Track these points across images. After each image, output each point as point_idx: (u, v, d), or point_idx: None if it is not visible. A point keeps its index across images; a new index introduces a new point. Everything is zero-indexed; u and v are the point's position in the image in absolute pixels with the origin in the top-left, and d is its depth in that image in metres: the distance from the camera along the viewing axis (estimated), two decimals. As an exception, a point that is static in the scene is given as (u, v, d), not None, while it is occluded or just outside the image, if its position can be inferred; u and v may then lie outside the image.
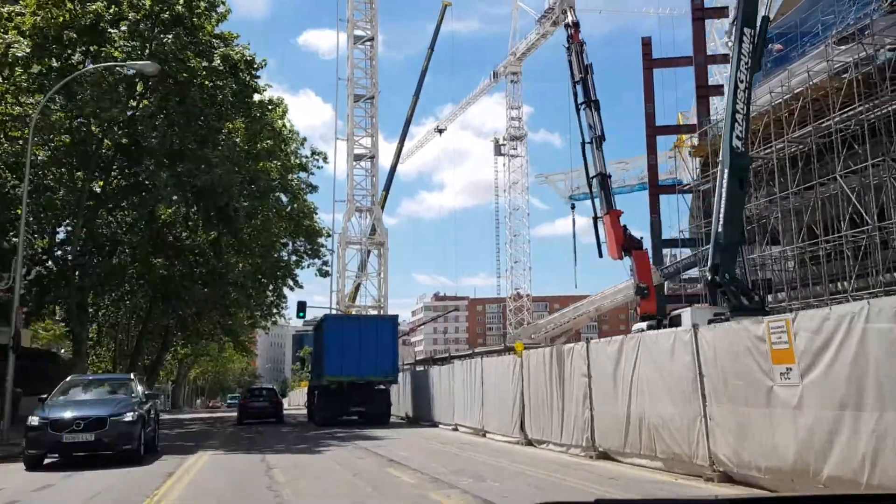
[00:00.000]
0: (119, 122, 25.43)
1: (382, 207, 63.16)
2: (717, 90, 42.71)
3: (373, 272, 59.81)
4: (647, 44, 47.46)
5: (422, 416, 29.24)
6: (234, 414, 39.21)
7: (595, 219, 30.27)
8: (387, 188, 77.05)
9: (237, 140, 27.52)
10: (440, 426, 26.17)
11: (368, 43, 60.90)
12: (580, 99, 31.57)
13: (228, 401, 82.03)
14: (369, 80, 60.71)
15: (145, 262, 28.36)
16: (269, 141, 29.88)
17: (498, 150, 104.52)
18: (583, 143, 31.05)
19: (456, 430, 23.67)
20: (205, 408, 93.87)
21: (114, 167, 28.28)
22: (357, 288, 60.15)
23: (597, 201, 30.33)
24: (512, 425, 18.24)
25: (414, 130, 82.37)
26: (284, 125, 35.68)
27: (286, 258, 42.06)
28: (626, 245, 28.87)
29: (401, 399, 33.49)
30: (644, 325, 25.30)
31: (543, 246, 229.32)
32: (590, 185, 30.97)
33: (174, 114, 25.35)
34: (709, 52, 45.35)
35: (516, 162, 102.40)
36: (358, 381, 28.39)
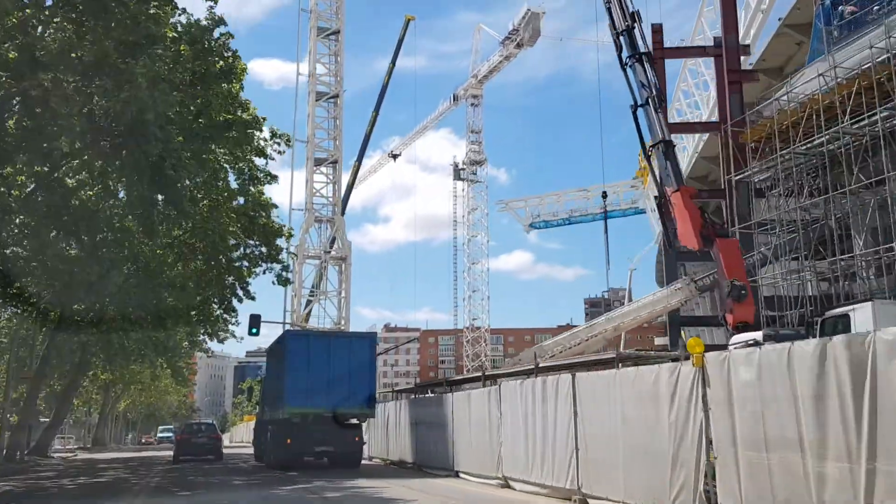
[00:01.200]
0: (4, 23, 16.36)
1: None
2: (751, 75, 35.40)
3: (332, 290, 51.18)
4: (657, 31, 39.91)
5: (429, 461, 20.23)
6: (165, 453, 34.35)
7: (660, 200, 22.29)
8: (342, 209, 68.75)
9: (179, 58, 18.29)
10: (464, 477, 17.25)
11: (333, 36, 52.88)
12: (625, 53, 24.03)
13: (159, 434, 70.38)
14: (333, 77, 52.62)
15: (37, 236, 18.77)
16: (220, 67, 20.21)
17: (457, 175, 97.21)
18: (634, 107, 23.26)
19: (507, 485, 14.79)
20: (137, 444, 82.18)
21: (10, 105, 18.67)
22: (310, 310, 51.25)
23: (659, 176, 22.48)
24: (669, 490, 9.64)
25: (364, 162, 74.53)
26: (242, 88, 26.63)
27: (237, 262, 32.91)
28: (707, 232, 20.78)
29: (391, 436, 24.51)
30: (757, 335, 16.74)
31: (492, 280, 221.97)
32: (648, 159, 23.11)
33: (83, 9, 16.32)
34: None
35: (476, 187, 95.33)
36: (326, 413, 21.68)
